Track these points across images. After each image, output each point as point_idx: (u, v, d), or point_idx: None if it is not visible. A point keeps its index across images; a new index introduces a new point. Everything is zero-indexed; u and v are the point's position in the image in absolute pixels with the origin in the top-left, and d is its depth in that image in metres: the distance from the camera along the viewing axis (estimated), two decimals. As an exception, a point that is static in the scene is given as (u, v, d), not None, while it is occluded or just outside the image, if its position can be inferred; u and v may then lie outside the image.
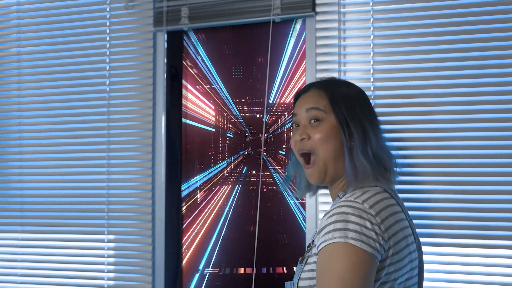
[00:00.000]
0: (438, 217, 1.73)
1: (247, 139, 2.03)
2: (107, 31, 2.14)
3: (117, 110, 2.12)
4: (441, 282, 1.73)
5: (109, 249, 2.11)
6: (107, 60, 2.14)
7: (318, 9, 1.89)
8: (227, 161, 2.04)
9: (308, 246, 1.30)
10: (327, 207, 1.83)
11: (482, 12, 1.74)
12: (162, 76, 2.08)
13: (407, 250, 1.20)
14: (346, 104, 1.29)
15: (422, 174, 1.75)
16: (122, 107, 2.12)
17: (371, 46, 1.83)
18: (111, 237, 2.11)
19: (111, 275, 2.11)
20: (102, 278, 2.11)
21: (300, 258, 1.30)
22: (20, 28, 2.26)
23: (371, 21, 1.84)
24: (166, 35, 2.08)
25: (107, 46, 2.14)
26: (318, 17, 1.89)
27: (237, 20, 1.98)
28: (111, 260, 2.11)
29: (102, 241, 2.12)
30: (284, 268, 1.95)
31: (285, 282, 1.34)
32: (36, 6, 2.24)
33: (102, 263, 2.11)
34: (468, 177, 1.72)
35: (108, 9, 2.14)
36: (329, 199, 1.81)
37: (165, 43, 2.08)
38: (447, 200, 1.73)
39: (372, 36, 1.83)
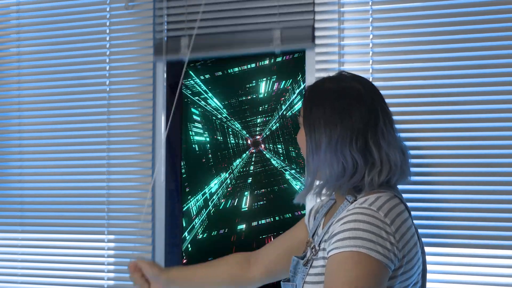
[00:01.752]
0: (441, 217, 1.72)
1: (248, 141, 2.03)
2: (107, 31, 2.14)
3: (117, 110, 2.12)
4: (447, 284, 1.72)
5: (109, 249, 2.11)
6: (107, 60, 2.14)
7: (317, 8, 1.88)
8: (231, 164, 2.05)
9: (312, 248, 1.27)
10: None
11: (482, 12, 1.73)
12: (162, 76, 2.08)
13: (417, 256, 1.19)
14: (310, 112, 1.26)
15: (422, 174, 1.74)
16: (122, 107, 2.12)
17: (370, 45, 1.83)
18: (111, 237, 2.11)
19: (111, 275, 2.11)
20: (102, 278, 2.11)
21: (302, 261, 1.28)
22: (20, 28, 2.26)
23: (370, 20, 1.83)
24: (166, 37, 2.08)
25: (107, 46, 2.14)
26: (317, 17, 1.88)
27: (237, 52, 1.98)
28: (111, 260, 2.11)
29: (102, 241, 2.12)
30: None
31: (282, 282, 1.33)
32: (36, 6, 2.24)
33: (102, 263, 2.11)
34: (467, 177, 1.71)
35: (108, 9, 2.14)
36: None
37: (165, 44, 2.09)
38: (447, 201, 1.72)
39: (371, 36, 1.83)
